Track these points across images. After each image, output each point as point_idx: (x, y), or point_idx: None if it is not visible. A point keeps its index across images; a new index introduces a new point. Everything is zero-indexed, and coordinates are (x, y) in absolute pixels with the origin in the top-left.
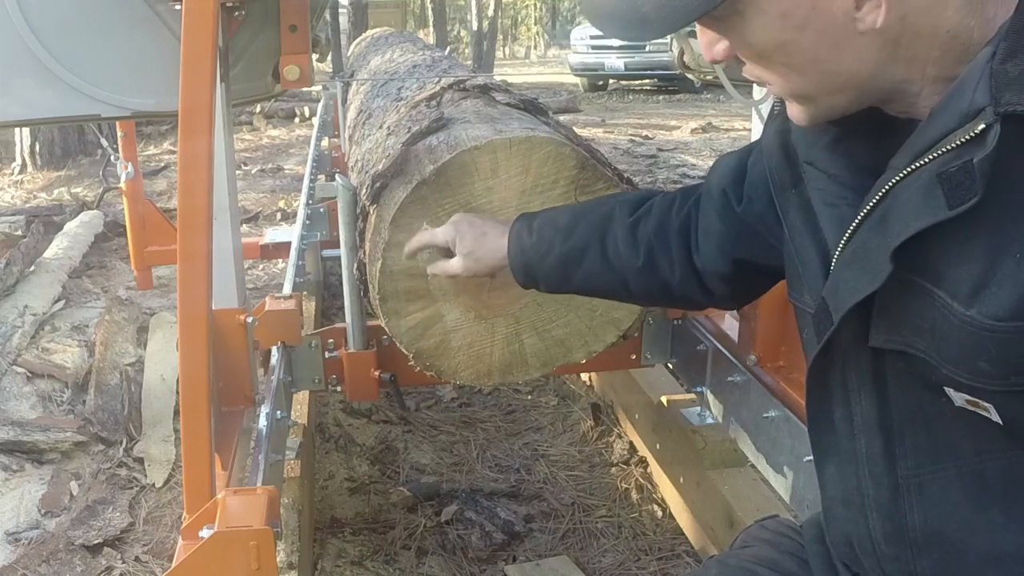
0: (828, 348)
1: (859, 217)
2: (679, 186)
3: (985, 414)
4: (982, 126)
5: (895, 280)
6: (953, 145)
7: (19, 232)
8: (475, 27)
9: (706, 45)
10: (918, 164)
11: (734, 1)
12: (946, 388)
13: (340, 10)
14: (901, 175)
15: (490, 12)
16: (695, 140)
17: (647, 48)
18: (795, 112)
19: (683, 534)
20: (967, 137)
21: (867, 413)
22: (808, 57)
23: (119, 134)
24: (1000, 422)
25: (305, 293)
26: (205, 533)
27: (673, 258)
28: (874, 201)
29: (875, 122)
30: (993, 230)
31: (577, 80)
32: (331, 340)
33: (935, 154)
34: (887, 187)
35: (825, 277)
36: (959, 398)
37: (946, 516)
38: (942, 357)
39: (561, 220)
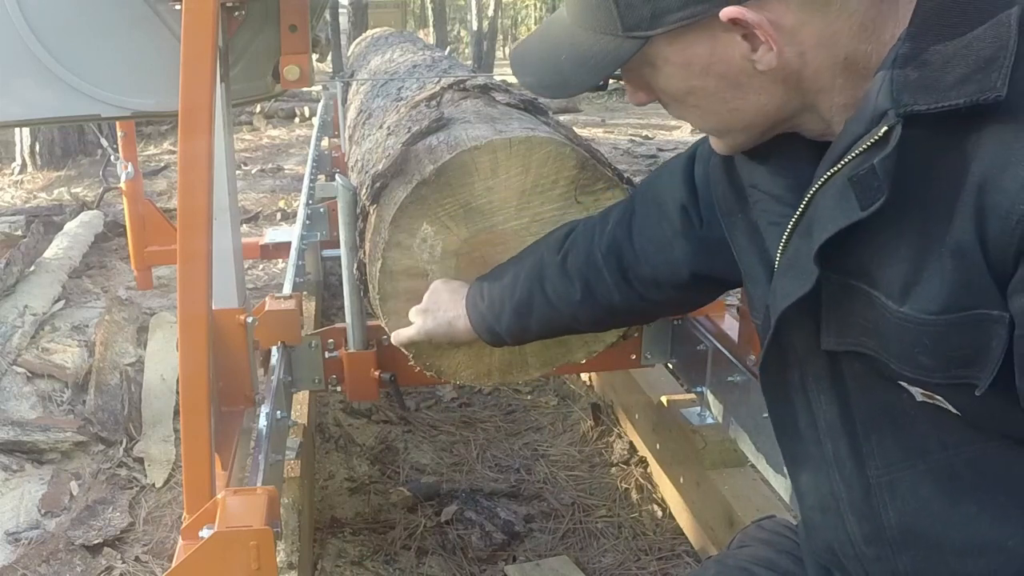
0: (783, 356)
1: (790, 225)
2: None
3: (944, 406)
4: (884, 128)
5: (834, 284)
6: (861, 149)
7: (19, 232)
8: (475, 27)
9: (629, 92)
10: (833, 171)
11: (642, 56)
12: (902, 383)
13: (340, 10)
14: (820, 182)
15: (490, 12)
16: (695, 140)
17: None
18: (716, 144)
19: (683, 534)
20: (873, 140)
21: (830, 416)
22: (716, 98)
23: (119, 134)
24: (958, 413)
25: (305, 293)
26: (205, 533)
27: (608, 281)
28: (801, 210)
29: (811, 141)
30: (915, 228)
31: None
32: (331, 340)
33: (847, 159)
34: (810, 195)
35: None
36: (916, 392)
37: (920, 512)
38: (888, 353)
39: (505, 278)
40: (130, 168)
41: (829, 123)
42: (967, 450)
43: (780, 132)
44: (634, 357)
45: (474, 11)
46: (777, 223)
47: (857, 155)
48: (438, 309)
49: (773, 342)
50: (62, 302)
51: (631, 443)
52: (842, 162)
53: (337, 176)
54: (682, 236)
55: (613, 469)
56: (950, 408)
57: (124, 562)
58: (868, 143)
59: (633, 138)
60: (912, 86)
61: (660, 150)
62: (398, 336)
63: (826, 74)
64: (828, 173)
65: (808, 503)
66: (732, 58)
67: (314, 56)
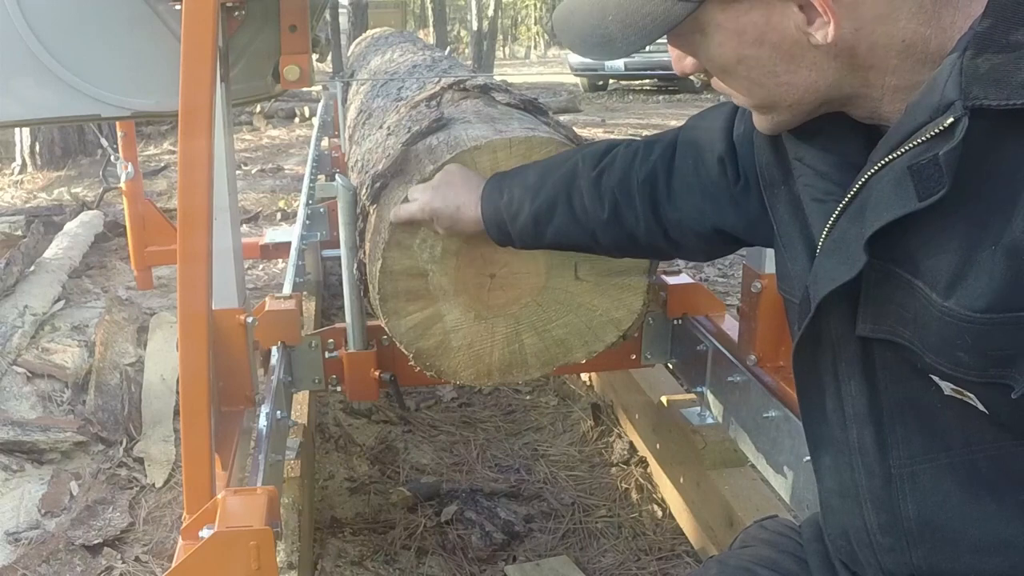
0: (816, 337)
1: (839, 207)
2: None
3: (972, 403)
4: (950, 120)
5: (877, 270)
6: (924, 139)
7: (19, 232)
8: (475, 27)
9: (675, 59)
10: (892, 157)
11: (693, 20)
12: (932, 377)
13: (340, 10)
14: (876, 167)
15: (490, 12)
16: None
17: (647, 48)
18: (759, 121)
19: (683, 534)
20: (937, 131)
21: (857, 403)
22: (766, 71)
23: (119, 134)
24: (986, 412)
25: (305, 293)
26: (205, 533)
27: (638, 210)
28: (853, 192)
29: (862, 120)
30: (969, 222)
31: (577, 80)
32: (331, 340)
33: (907, 147)
34: (864, 179)
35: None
36: (946, 386)
37: (939, 506)
38: (924, 346)
39: (530, 178)
40: (130, 168)
41: (879, 106)
42: (990, 448)
43: (829, 111)
44: (634, 357)
45: (474, 11)
46: (821, 200)
47: (919, 144)
48: (448, 190)
49: (811, 324)
50: (62, 302)
51: (631, 443)
52: (902, 149)
53: (337, 176)
54: (714, 188)
55: (613, 469)
56: (978, 406)
57: (124, 562)
58: (931, 133)
59: (633, 138)
60: (983, 79)
61: None
62: (398, 212)
63: (881, 54)
64: (886, 159)
65: (827, 486)
66: (787, 28)
67: (314, 56)
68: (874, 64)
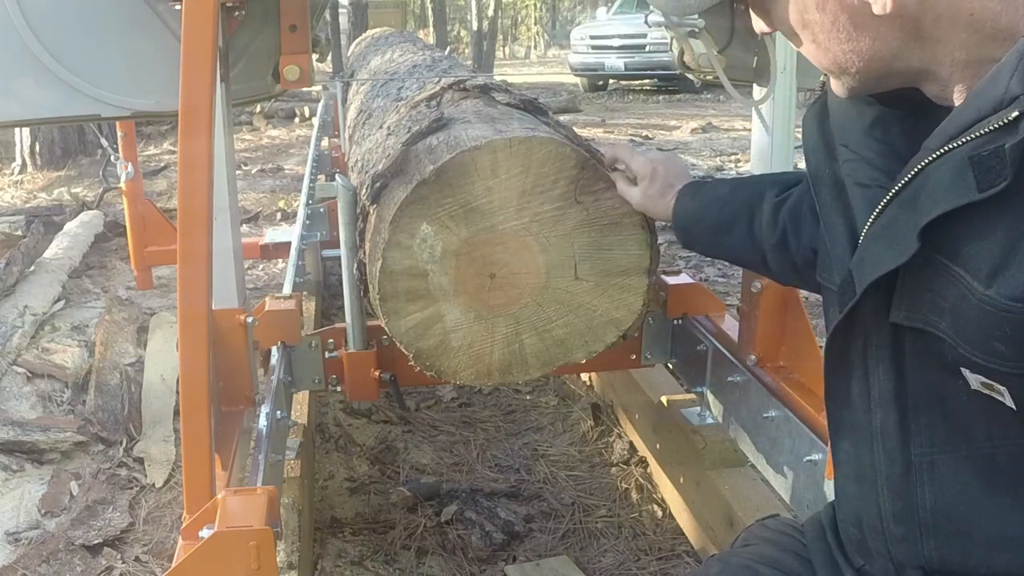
0: (851, 321)
1: (891, 194)
2: None
3: (1000, 398)
4: (1015, 113)
5: (919, 257)
6: (986, 130)
7: (19, 232)
8: (475, 27)
9: (753, 19)
10: (951, 146)
11: None
12: (963, 369)
13: (340, 10)
14: (934, 156)
15: (490, 12)
16: (695, 140)
17: (647, 48)
18: (834, 85)
19: (683, 534)
20: (1001, 123)
21: (884, 388)
22: (831, 36)
23: (119, 134)
24: (1014, 407)
25: (305, 293)
26: (205, 533)
27: (802, 238)
28: (906, 179)
29: (910, 108)
30: (1017, 214)
31: (577, 80)
32: (331, 340)
33: (968, 137)
34: (920, 167)
35: (852, 254)
36: (975, 380)
37: (955, 497)
38: (960, 337)
39: (722, 190)
40: (130, 168)
41: (948, 83)
42: (1012, 444)
43: (899, 86)
44: (634, 357)
45: (474, 11)
46: (866, 185)
47: (981, 135)
48: (670, 169)
49: (853, 309)
50: (62, 302)
51: (631, 443)
52: (962, 139)
53: (337, 176)
54: (806, 205)
55: (613, 469)
56: (1005, 400)
57: (124, 562)
58: (996, 124)
59: (633, 138)
60: None
61: (660, 150)
62: (625, 192)
63: (947, 26)
64: (945, 148)
65: (844, 472)
66: None
67: (314, 56)
68: (940, 37)
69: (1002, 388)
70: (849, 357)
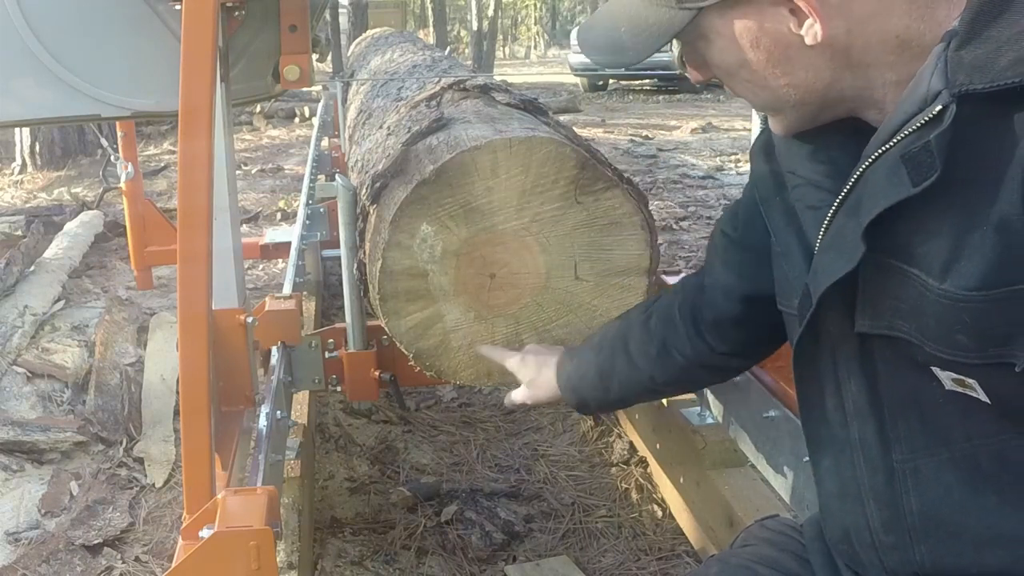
0: (816, 339)
1: (835, 204)
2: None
3: (974, 395)
4: (939, 107)
5: (873, 264)
6: (914, 128)
7: (19, 232)
8: (475, 27)
9: (689, 70)
10: (884, 148)
11: (695, 27)
12: (933, 368)
13: (340, 10)
14: (869, 161)
15: (490, 12)
16: (695, 140)
17: None
18: (774, 125)
19: (683, 534)
20: (926, 119)
21: (858, 399)
22: (767, 73)
23: (119, 134)
24: (988, 401)
25: (305, 293)
26: (205, 533)
27: (681, 332)
28: (848, 188)
29: (852, 131)
30: (960, 206)
31: (577, 80)
32: (331, 340)
33: (899, 137)
34: (858, 173)
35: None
36: (947, 378)
37: (941, 500)
38: (924, 335)
39: (594, 338)
40: (130, 168)
41: (883, 106)
42: (991, 442)
43: (837, 117)
44: None
45: (474, 11)
46: (816, 207)
47: (909, 133)
48: (540, 351)
49: (811, 322)
50: (62, 302)
51: (631, 443)
52: (893, 140)
53: (337, 176)
54: (721, 262)
55: (613, 469)
56: (980, 396)
57: (124, 562)
58: (921, 121)
59: (633, 138)
60: (967, 67)
61: (660, 150)
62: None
63: (877, 51)
64: (879, 151)
65: (827, 489)
66: (780, 32)
67: (314, 56)
68: (871, 62)
69: (972, 382)
70: (819, 374)
